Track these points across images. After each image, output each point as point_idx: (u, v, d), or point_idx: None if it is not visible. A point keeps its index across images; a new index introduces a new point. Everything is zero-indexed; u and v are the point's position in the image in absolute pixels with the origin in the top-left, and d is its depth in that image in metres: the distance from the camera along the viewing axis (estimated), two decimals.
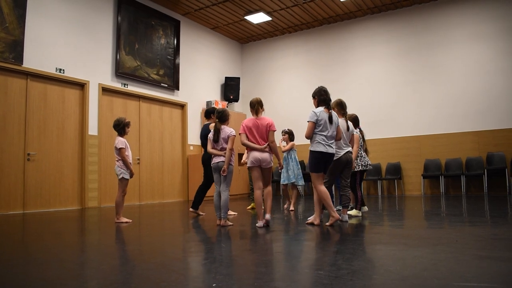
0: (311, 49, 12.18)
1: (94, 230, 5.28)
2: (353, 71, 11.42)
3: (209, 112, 6.56)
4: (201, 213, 6.48)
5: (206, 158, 6.06)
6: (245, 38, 13.07)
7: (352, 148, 5.43)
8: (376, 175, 10.58)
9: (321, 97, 4.78)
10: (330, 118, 4.68)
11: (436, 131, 10.18)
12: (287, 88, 12.47)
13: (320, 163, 4.68)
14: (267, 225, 4.70)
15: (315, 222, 4.76)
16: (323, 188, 4.68)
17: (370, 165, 5.90)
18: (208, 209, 7.35)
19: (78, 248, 3.73)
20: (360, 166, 5.84)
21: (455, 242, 3.43)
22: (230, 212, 6.26)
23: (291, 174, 7.08)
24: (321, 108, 4.72)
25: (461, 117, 9.88)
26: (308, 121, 4.69)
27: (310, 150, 4.70)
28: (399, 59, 10.80)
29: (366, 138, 10.21)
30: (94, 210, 7.78)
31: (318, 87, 4.86)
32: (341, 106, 5.29)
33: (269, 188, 4.84)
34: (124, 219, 5.60)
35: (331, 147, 4.70)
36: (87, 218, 6.61)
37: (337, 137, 4.83)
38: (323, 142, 4.63)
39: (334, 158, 4.94)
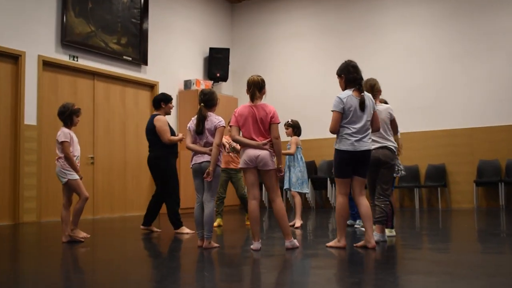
0: (324, 11, 12.16)
1: (31, 253, 5.24)
2: (380, 40, 11.40)
3: (159, 100, 6.67)
4: (155, 229, 6.86)
5: (155, 158, 6.54)
6: None
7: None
8: (413, 181, 10.59)
9: (349, 75, 4.67)
10: (362, 104, 4.58)
11: (494, 122, 10.18)
12: (292, 63, 12.45)
13: (344, 165, 4.61)
14: (291, 248, 4.67)
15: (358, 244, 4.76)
16: (340, 200, 4.63)
17: (402, 170, 5.82)
18: (188, 224, 7.34)
19: (9, 278, 3.71)
20: None
21: None
22: (184, 230, 6.49)
23: (292, 178, 7.12)
24: (348, 92, 4.63)
25: None
26: (332, 111, 4.62)
27: (335, 149, 4.67)
28: (445, 25, 10.79)
29: (398, 131, 10.25)
30: (31, 227, 7.73)
31: (345, 62, 4.77)
32: (372, 88, 5.23)
33: (279, 202, 4.69)
34: (82, 234, 5.74)
35: (364, 141, 4.60)
36: (22, 237, 6.57)
37: (374, 127, 4.76)
38: (351, 138, 4.55)
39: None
